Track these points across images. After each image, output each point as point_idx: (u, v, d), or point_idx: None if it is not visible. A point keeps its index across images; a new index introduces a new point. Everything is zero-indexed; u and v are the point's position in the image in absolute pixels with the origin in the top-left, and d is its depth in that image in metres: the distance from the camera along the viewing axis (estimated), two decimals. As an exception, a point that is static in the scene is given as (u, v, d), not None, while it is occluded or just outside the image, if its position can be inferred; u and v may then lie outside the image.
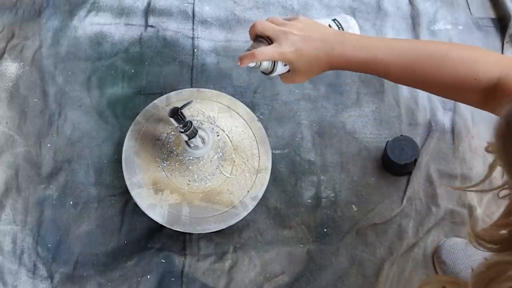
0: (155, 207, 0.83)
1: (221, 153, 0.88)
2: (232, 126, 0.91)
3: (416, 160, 0.89)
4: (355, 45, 0.61)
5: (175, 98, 0.92)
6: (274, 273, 0.84)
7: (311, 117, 0.97)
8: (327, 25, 0.68)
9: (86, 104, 0.96)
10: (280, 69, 0.65)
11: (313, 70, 0.64)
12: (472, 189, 0.46)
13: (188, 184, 0.85)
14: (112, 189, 0.89)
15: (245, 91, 0.98)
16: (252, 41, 0.66)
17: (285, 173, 0.91)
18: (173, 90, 0.94)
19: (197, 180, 0.86)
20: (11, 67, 0.99)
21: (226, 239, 0.85)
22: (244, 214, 0.84)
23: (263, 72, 0.67)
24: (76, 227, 0.86)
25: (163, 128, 0.89)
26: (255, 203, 0.85)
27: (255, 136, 0.90)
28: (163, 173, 0.86)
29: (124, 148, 0.87)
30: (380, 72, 0.63)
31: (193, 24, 1.05)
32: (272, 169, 0.88)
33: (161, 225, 0.83)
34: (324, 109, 0.98)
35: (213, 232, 0.84)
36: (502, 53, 1.06)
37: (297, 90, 0.99)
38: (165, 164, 0.86)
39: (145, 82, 0.98)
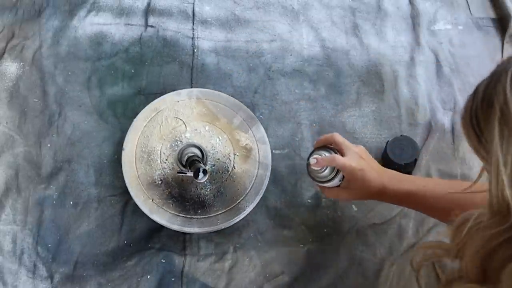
0: None
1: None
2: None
3: (416, 160, 0.89)
4: (401, 180, 0.72)
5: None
6: (274, 273, 0.83)
7: (311, 117, 0.97)
8: None
9: (86, 104, 0.96)
10: (335, 182, 0.74)
11: (362, 193, 0.72)
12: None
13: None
14: (112, 189, 0.89)
15: (245, 91, 0.98)
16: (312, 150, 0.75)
17: (285, 173, 0.91)
18: (173, 90, 0.94)
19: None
20: (11, 67, 0.99)
21: (226, 239, 0.85)
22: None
23: (314, 178, 0.75)
24: (76, 227, 0.86)
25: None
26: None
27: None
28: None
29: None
30: (423, 203, 0.71)
31: (193, 24, 1.05)
32: (272, 169, 0.88)
33: (161, 225, 0.83)
34: (324, 109, 0.98)
35: (213, 232, 0.84)
36: (502, 53, 1.06)
37: (297, 90, 0.99)
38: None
39: (145, 82, 0.98)
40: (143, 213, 0.84)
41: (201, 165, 0.78)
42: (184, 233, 0.85)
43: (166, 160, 0.87)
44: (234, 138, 0.90)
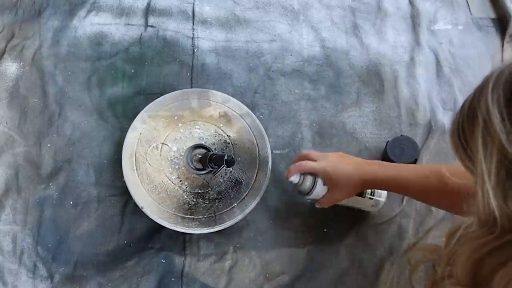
0: None
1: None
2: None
3: (416, 160, 0.89)
4: (381, 165, 0.75)
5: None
6: (274, 273, 0.83)
7: (311, 117, 0.97)
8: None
9: (86, 104, 0.96)
10: (319, 189, 0.77)
11: (348, 185, 0.74)
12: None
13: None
14: (112, 189, 0.89)
15: (245, 91, 0.98)
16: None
17: (285, 173, 0.91)
18: (173, 90, 0.94)
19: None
20: (11, 67, 0.99)
21: (226, 239, 0.85)
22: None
23: (302, 193, 0.78)
24: (76, 227, 0.86)
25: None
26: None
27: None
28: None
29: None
30: (402, 188, 0.74)
31: (193, 24, 1.05)
32: (272, 169, 0.88)
33: (161, 225, 0.83)
34: (324, 109, 0.98)
35: (213, 232, 0.84)
36: (502, 53, 1.06)
37: (297, 90, 0.99)
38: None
39: (145, 82, 0.98)
40: (143, 213, 0.84)
41: (223, 154, 0.80)
42: (184, 233, 0.85)
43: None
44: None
